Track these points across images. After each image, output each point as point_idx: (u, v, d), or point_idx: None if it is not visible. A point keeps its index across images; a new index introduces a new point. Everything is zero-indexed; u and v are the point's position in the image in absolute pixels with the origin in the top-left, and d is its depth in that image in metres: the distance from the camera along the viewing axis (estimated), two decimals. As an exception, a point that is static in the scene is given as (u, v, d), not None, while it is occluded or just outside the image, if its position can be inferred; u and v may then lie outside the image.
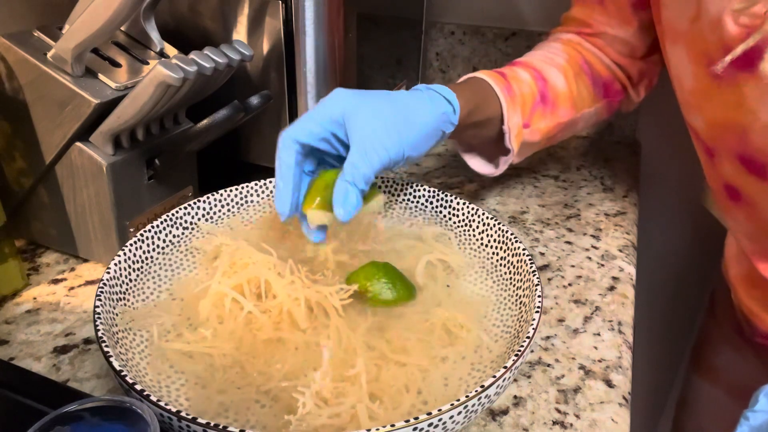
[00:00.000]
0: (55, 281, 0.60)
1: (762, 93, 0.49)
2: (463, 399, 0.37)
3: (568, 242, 0.70)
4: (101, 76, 0.56)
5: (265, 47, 0.64)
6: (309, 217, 0.50)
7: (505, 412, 0.47)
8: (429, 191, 0.60)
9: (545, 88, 0.66)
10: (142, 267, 0.51)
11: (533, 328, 0.43)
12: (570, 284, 0.63)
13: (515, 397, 0.49)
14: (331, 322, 0.47)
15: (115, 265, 0.48)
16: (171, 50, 0.62)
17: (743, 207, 0.57)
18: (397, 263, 0.54)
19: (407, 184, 0.61)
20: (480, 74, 0.64)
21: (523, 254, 0.51)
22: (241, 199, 0.60)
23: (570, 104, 0.68)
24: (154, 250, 0.53)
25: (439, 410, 0.36)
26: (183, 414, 0.35)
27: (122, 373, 0.37)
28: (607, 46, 0.70)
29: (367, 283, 0.49)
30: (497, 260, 0.54)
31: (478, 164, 0.69)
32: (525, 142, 0.66)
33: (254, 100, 0.58)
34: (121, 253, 0.49)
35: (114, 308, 0.46)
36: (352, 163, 0.47)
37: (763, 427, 0.43)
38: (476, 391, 0.37)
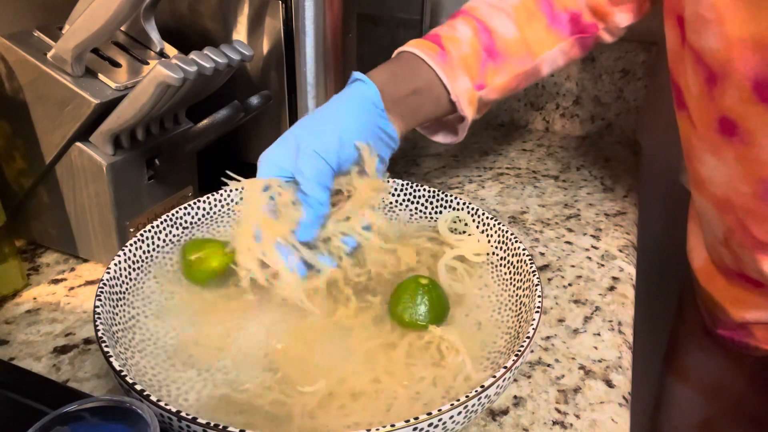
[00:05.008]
0: (55, 281, 0.60)
1: None
2: (463, 399, 0.37)
3: (568, 242, 0.70)
4: (101, 76, 0.56)
5: (265, 47, 0.64)
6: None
7: (505, 412, 0.47)
8: (429, 191, 0.60)
9: (491, 41, 0.60)
10: (142, 267, 0.51)
11: (533, 328, 0.43)
12: (570, 284, 0.62)
13: (515, 397, 0.49)
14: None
15: (115, 265, 0.48)
16: (171, 50, 0.63)
17: (736, 144, 0.52)
18: (396, 262, 0.53)
19: (407, 184, 0.61)
20: (410, 47, 0.59)
21: (523, 254, 0.51)
22: (241, 199, 0.60)
23: (525, 51, 0.61)
24: (154, 250, 0.53)
25: (439, 410, 0.36)
26: (183, 414, 0.35)
27: (122, 373, 0.37)
28: None
29: (407, 307, 0.48)
30: (497, 260, 0.54)
31: (441, 137, 0.66)
32: (483, 101, 0.61)
33: (254, 100, 0.58)
34: (121, 253, 0.49)
35: (114, 308, 0.46)
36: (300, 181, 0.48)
37: None
38: (476, 391, 0.37)
